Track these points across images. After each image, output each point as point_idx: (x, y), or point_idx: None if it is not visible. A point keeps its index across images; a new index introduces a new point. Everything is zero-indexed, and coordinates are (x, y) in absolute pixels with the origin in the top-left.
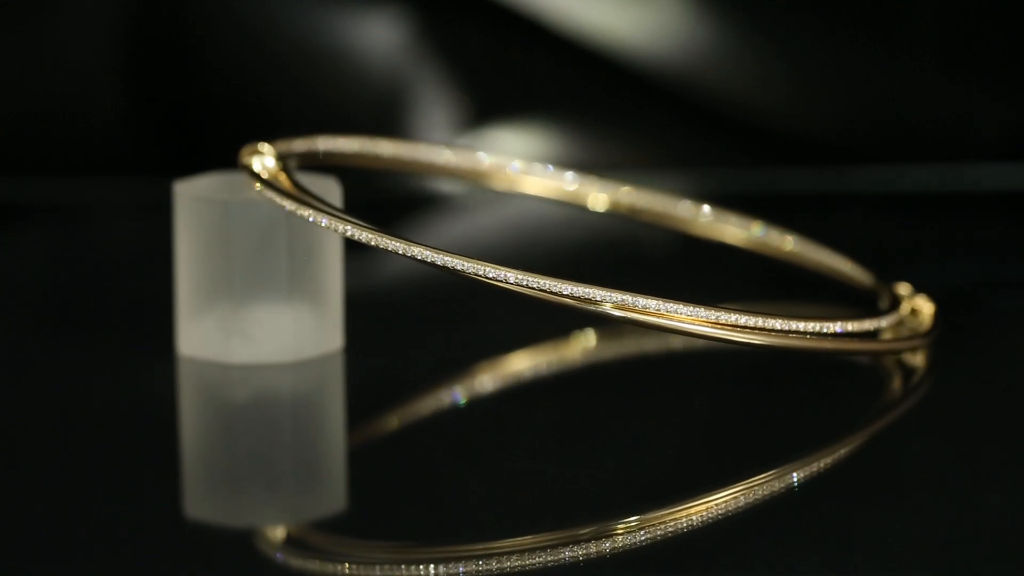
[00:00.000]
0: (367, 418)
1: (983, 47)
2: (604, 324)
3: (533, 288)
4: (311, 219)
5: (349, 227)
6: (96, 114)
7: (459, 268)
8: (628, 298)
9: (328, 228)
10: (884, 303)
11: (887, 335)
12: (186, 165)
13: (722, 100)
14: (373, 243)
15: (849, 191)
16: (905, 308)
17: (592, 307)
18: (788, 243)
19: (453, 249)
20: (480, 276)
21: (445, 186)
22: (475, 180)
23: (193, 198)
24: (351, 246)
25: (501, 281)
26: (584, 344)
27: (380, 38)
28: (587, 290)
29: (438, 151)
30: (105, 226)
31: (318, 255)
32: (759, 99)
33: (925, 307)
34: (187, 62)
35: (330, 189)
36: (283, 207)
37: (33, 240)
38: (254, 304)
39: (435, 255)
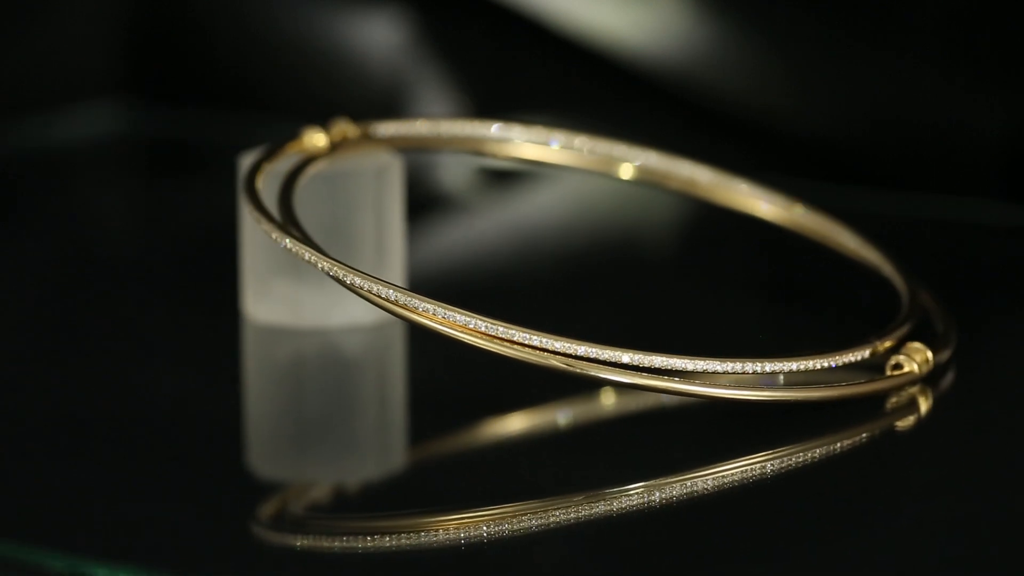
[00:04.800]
0: (422, 385)
1: (983, 47)
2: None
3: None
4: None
5: (305, 252)
6: (97, 115)
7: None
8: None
9: (270, 235)
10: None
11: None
12: (186, 161)
13: (722, 100)
14: (315, 263)
15: (850, 191)
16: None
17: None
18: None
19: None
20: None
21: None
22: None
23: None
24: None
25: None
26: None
27: (380, 38)
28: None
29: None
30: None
31: (379, 224)
32: (759, 99)
33: (916, 356)
34: (188, 62)
35: (391, 167)
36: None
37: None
38: (311, 271)
39: (347, 274)
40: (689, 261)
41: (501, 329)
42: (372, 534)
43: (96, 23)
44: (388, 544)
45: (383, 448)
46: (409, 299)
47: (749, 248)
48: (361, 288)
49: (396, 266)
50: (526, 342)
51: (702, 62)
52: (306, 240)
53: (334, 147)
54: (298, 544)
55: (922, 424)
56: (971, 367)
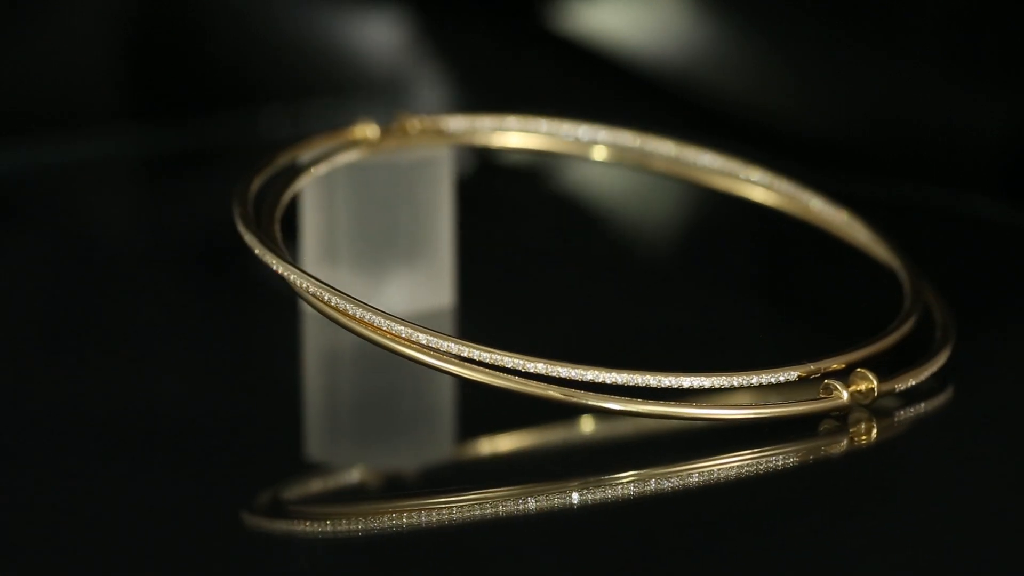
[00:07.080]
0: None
1: (983, 47)
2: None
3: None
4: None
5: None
6: (96, 120)
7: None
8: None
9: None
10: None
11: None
12: (185, 160)
13: (722, 100)
14: (292, 279)
15: (849, 190)
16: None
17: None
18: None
19: None
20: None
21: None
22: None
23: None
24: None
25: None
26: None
27: (380, 38)
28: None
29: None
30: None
31: (429, 216)
32: (759, 99)
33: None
34: (188, 62)
35: (434, 162)
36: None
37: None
38: (366, 262)
39: (301, 280)
40: (687, 259)
41: (476, 352)
42: (372, 518)
43: (95, 25)
44: (379, 529)
45: (417, 436)
46: (357, 309)
47: (749, 245)
48: (311, 294)
49: (440, 268)
50: (515, 367)
51: (702, 62)
52: (272, 244)
53: (383, 139)
54: (307, 531)
55: (862, 447)
56: (967, 373)
